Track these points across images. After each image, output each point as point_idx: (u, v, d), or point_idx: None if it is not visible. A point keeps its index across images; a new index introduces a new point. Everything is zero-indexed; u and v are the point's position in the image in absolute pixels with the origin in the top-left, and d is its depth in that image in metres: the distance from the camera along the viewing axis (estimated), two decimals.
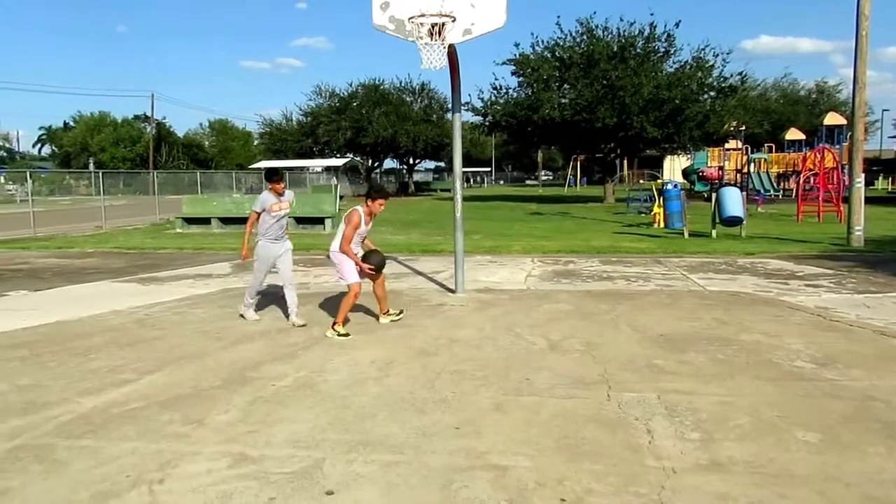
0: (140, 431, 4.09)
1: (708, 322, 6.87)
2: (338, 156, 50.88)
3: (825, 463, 3.53)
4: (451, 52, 7.97)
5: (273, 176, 7.08)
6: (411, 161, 58.52)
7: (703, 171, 34.84)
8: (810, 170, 24.88)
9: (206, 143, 78.42)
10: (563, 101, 32.58)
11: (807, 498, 3.15)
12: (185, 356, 5.81)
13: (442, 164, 72.19)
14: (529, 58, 33.17)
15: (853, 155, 13.83)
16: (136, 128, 69.70)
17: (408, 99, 50.83)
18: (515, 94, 34.60)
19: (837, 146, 27.33)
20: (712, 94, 32.23)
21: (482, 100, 35.04)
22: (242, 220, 19.94)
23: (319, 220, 19.73)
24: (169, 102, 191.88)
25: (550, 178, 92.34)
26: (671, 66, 32.30)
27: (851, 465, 3.50)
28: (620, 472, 3.45)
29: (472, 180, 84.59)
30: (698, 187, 34.63)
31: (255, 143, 66.09)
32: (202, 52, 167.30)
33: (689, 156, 39.94)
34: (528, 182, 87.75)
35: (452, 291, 8.79)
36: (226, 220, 20.27)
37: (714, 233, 15.68)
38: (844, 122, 33.07)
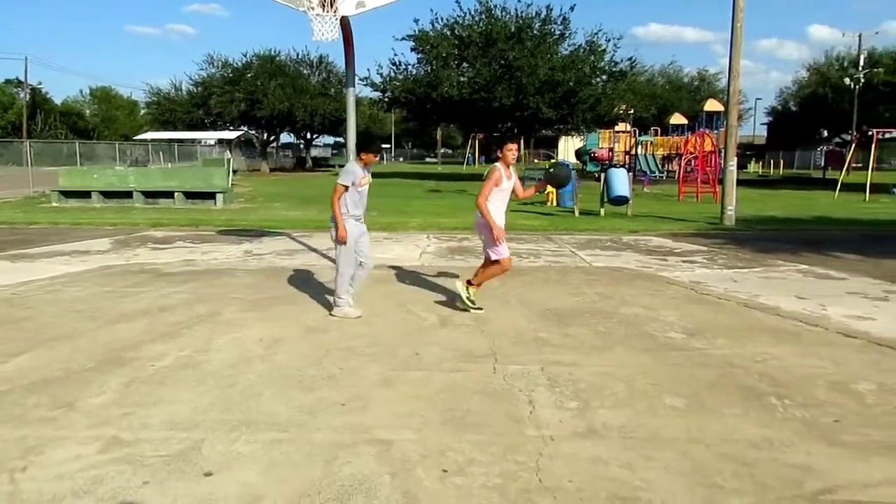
0: (2, 417, 3.82)
1: (591, 297, 7.17)
2: (231, 128, 48.99)
3: (689, 426, 3.79)
4: (345, 25, 7.83)
5: (370, 145, 6.24)
6: (309, 136, 57.28)
7: (594, 152, 36.12)
8: (691, 153, 26.30)
9: (88, 111, 73.49)
10: (461, 79, 32.83)
11: (671, 459, 3.37)
12: (56, 337, 5.47)
13: (341, 140, 71.11)
14: (429, 35, 33.14)
15: (727, 140, 14.74)
16: (7, 93, 64.35)
17: (305, 72, 49.62)
18: (415, 71, 34.55)
19: (716, 131, 28.99)
20: (604, 77, 33.41)
21: (381, 75, 34.78)
22: (126, 195, 19.05)
23: (210, 195, 18.99)
24: (46, 67, 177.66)
25: (451, 154, 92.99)
26: (566, 49, 33.22)
27: (712, 428, 3.77)
28: (502, 441, 3.55)
29: None
30: (590, 167, 35.88)
31: (142, 112, 62.57)
32: (84, 14, 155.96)
33: (582, 137, 41.29)
34: (427, 159, 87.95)
35: None
36: (108, 194, 19.13)
37: (602, 211, 16.33)
38: (722, 108, 35.12)
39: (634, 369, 4.78)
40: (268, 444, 3.51)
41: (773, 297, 7.15)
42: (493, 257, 6.22)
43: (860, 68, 40.21)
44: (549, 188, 19.46)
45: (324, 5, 7.11)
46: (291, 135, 58.32)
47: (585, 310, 6.56)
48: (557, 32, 32.95)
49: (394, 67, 34.59)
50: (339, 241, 6.05)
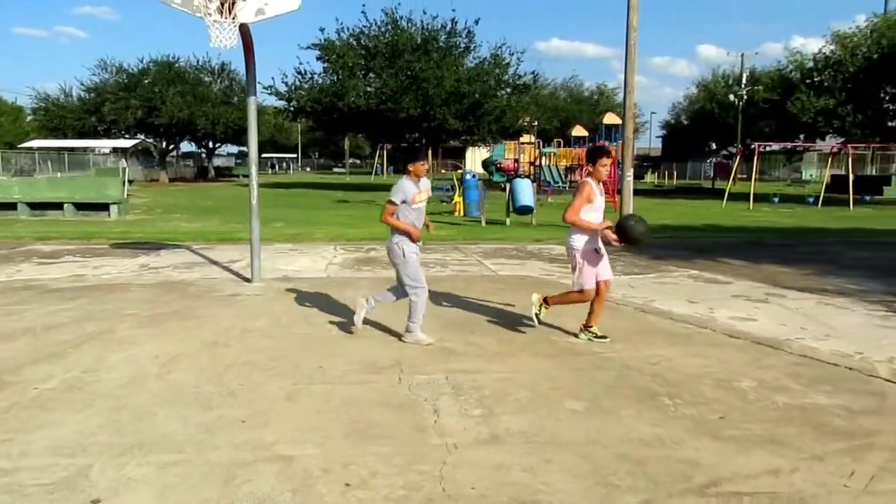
0: None
1: (497, 305, 7.29)
2: (127, 136, 46.86)
3: (588, 428, 3.91)
4: (245, 32, 7.65)
5: (415, 154, 5.69)
6: (211, 145, 55.50)
7: (500, 163, 36.76)
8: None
9: None
10: (368, 89, 32.75)
11: (570, 461, 3.47)
12: None
13: (245, 149, 69.37)
14: (335, 44, 32.90)
15: (624, 152, 15.40)
16: None
17: (206, 79, 48.12)
18: (321, 80, 34.15)
19: (614, 143, 30.21)
20: (508, 90, 34.18)
21: (286, 84, 34.20)
22: (9, 206, 17.76)
23: (103, 207, 18.04)
24: None
25: (359, 165, 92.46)
26: (471, 62, 33.77)
27: (609, 428, 3.91)
28: (406, 451, 3.55)
29: (277, 167, 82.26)
30: (496, 178, 36.48)
31: (28, 119, 58.74)
32: None
33: (489, 148, 42.03)
34: (335, 169, 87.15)
35: (248, 281, 8.49)
36: None
37: (508, 221, 16.66)
38: (620, 121, 36.69)
39: (537, 375, 4.89)
40: (161, 466, 3.36)
41: (667, 302, 7.51)
42: (575, 288, 5.66)
43: (743, 86, 43.01)
44: (457, 198, 19.71)
45: (221, 11, 6.92)
46: (192, 144, 56.33)
47: (491, 317, 6.67)
48: (462, 45, 33.48)
49: (299, 76, 34.12)
50: (414, 239, 5.53)
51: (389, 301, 5.89)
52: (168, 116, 42.93)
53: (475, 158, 55.18)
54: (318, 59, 33.77)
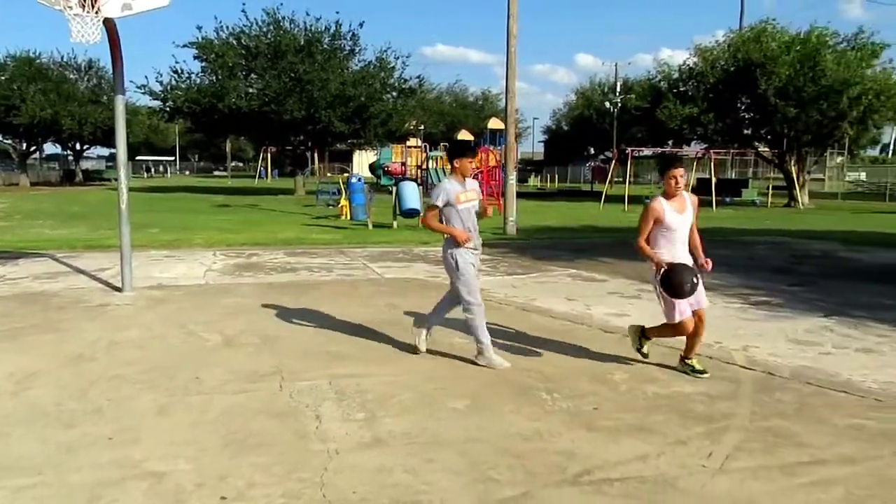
0: None
1: (382, 308, 7.28)
2: None
3: (469, 426, 3.98)
4: (110, 27, 7.23)
5: (461, 150, 5.12)
6: (79, 146, 51.98)
7: (387, 167, 36.77)
8: (477, 168, 27.82)
9: None
10: (250, 90, 31.85)
11: (451, 459, 3.51)
12: None
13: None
14: (213, 43, 31.74)
15: (507, 155, 15.82)
16: None
17: (72, 77, 45.01)
18: (199, 80, 32.82)
19: (499, 147, 30.98)
20: (394, 94, 34.25)
21: (161, 83, 32.58)
22: None
23: None
24: None
25: (242, 168, 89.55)
26: (357, 65, 33.57)
27: (489, 425, 3.99)
28: (286, 460, 3.47)
29: (153, 170, 78.18)
30: (384, 181, 36.42)
31: None
32: None
33: (376, 151, 41.94)
34: (216, 173, 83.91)
35: (119, 290, 8.01)
36: None
37: (395, 224, 16.68)
38: (503, 126, 37.66)
39: (422, 376, 4.92)
40: (16, 490, 3.10)
41: (547, 300, 7.77)
42: (666, 321, 4.93)
43: (617, 94, 45.32)
44: (344, 201, 19.52)
45: (84, 5, 6.49)
46: (58, 146, 52.54)
47: (376, 320, 6.64)
48: (347, 48, 33.23)
49: (175, 75, 32.61)
50: (461, 241, 4.98)
51: (442, 318, 5.51)
52: (28, 116, 39.79)
53: (363, 162, 54.85)
54: (195, 58, 32.47)
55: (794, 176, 28.57)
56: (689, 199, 4.93)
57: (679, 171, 4.87)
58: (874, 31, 29.03)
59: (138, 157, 70.98)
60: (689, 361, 5.00)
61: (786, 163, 29.06)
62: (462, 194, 5.02)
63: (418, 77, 34.98)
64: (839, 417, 4.18)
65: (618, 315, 7.03)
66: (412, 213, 16.38)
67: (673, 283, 4.61)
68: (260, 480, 3.24)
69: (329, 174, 45.09)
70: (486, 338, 5.12)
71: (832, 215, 22.88)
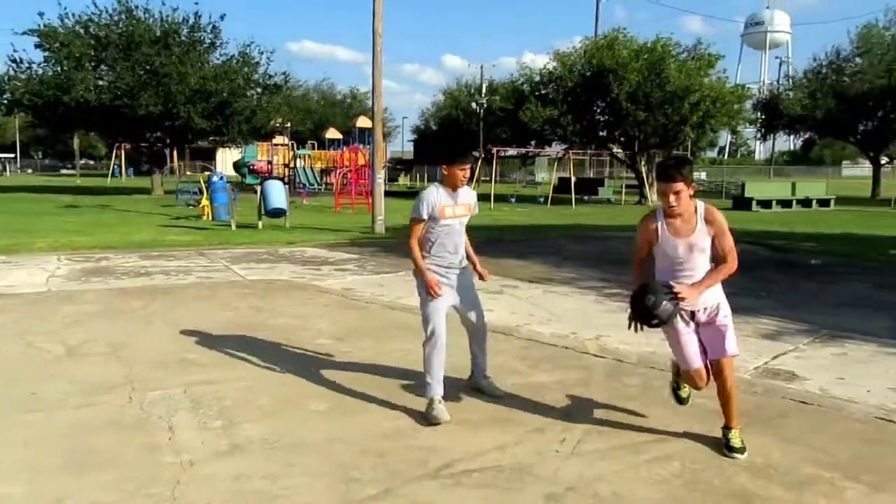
0: None
1: (244, 310, 7.05)
2: None
3: (331, 427, 3.94)
4: None
5: (452, 157, 4.16)
6: None
7: (252, 165, 35.69)
8: (346, 166, 27.59)
9: None
10: (100, 82, 29.70)
11: (312, 462, 3.47)
12: None
13: None
14: (58, 31, 29.28)
15: (374, 155, 15.80)
16: None
17: None
18: (41, 71, 30.18)
19: (367, 146, 30.90)
20: (259, 90, 33.18)
21: None
22: None
23: None
24: None
25: (93, 166, 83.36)
26: (218, 59, 32.19)
27: (353, 425, 3.98)
28: (135, 476, 3.28)
29: None
30: (249, 180, 35.32)
31: None
32: None
33: (240, 149, 40.48)
34: (64, 171, 77.55)
35: None
36: None
37: (260, 224, 16.18)
38: (371, 124, 37.60)
39: (281, 379, 4.81)
40: None
41: (412, 298, 7.81)
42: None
43: (483, 95, 46.52)
44: (205, 201, 18.69)
45: None
46: None
47: (237, 324, 6.42)
48: (208, 41, 31.74)
49: (14, 65, 29.79)
50: (428, 293, 4.15)
51: (484, 360, 4.61)
52: None
53: (226, 160, 52.80)
54: (37, 46, 29.78)
55: (644, 175, 30.58)
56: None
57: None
58: (710, 42, 31.69)
59: None
60: (728, 432, 3.68)
61: (637, 163, 31.06)
62: (449, 207, 4.15)
63: (284, 73, 34.03)
64: None
65: None
66: (278, 213, 15.98)
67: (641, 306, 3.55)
68: (105, 499, 3.04)
69: (189, 172, 42.97)
70: (435, 381, 4.11)
71: None
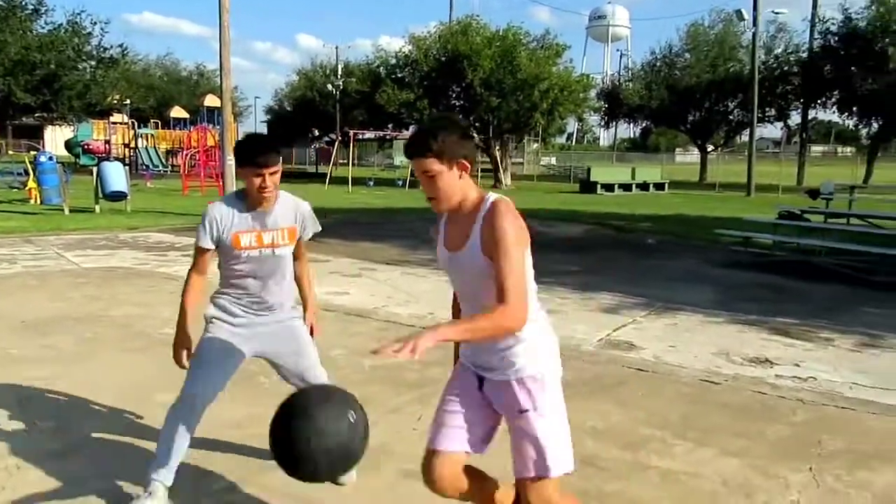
0: None
1: (78, 300, 6.52)
2: None
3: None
4: None
5: (251, 154, 2.70)
6: None
7: (88, 144, 32.92)
8: (194, 147, 26.19)
9: None
10: None
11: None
12: None
13: None
14: None
15: (223, 135, 15.12)
16: None
17: None
18: None
19: (216, 126, 29.47)
20: (92, 63, 30.63)
21: None
22: None
23: None
24: None
25: None
26: (43, 27, 29.33)
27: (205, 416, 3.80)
28: None
29: None
30: (84, 161, 32.58)
31: None
32: None
33: (73, 127, 37.20)
34: None
35: None
36: None
37: (98, 208, 15.01)
38: (220, 104, 35.84)
39: (126, 371, 4.51)
40: None
41: None
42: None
43: (339, 76, 45.78)
44: (32, 183, 17.00)
45: None
46: None
47: (70, 316, 5.92)
48: (31, 6, 28.84)
49: None
50: (181, 360, 2.95)
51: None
52: None
53: (56, 139, 48.26)
54: None
55: (499, 160, 31.59)
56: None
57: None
58: (558, 33, 33.15)
59: None
60: None
61: (491, 147, 31.99)
62: (247, 235, 2.84)
63: (121, 46, 31.64)
64: None
65: (338, 294, 7.16)
66: (118, 196, 14.90)
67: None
68: None
69: (12, 152, 38.90)
70: (163, 471, 2.81)
71: (529, 194, 25.75)
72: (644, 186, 27.85)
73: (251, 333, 2.98)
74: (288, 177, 37.63)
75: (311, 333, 3.23)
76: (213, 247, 2.83)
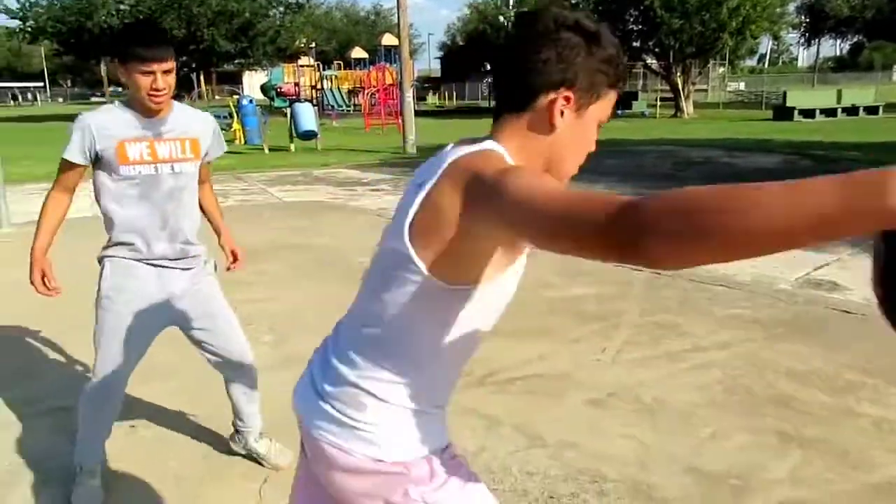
0: None
1: (284, 232, 7.18)
2: None
3: None
4: None
5: (133, 44, 2.17)
6: None
7: (280, 87, 35.35)
8: (373, 86, 27.23)
9: None
10: (122, 7, 29.41)
11: None
12: None
13: None
14: None
15: (402, 73, 15.55)
16: None
17: None
18: None
19: (394, 65, 30.33)
20: (281, 9, 32.58)
21: (19, 0, 29.51)
22: None
23: None
24: None
25: (122, 93, 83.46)
26: None
27: None
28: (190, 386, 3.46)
29: (20, 97, 71.85)
30: (277, 103, 35.09)
31: None
32: None
33: (266, 72, 40.10)
34: (94, 99, 77.93)
35: None
36: None
37: (293, 147, 16.23)
38: (398, 42, 36.73)
39: (327, 298, 4.94)
40: None
41: None
42: None
43: (511, 7, 44.95)
44: (236, 125, 18.70)
45: None
46: None
47: (279, 245, 6.56)
48: None
49: None
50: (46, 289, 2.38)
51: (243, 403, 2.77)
52: None
53: (253, 83, 52.34)
54: None
55: (680, 87, 29.65)
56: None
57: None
58: None
59: (1, 85, 64.84)
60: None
61: (672, 74, 30.05)
62: (136, 144, 2.30)
63: None
64: (718, 308, 4.57)
65: None
66: (309, 135, 15.98)
67: None
68: (172, 403, 3.23)
69: (217, 97, 42.86)
70: (94, 445, 2.54)
71: (714, 123, 24.05)
72: (852, 111, 24.89)
73: (162, 297, 2.41)
74: (461, 112, 38.12)
75: (235, 260, 2.87)
76: (85, 162, 2.26)
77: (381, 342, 1.21)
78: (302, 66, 34.29)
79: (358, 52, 40.00)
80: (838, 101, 25.08)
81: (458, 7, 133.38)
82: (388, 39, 33.91)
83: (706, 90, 42.48)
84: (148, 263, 2.38)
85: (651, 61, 32.76)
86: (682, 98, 29.33)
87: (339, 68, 38.23)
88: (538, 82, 1.11)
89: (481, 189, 1.00)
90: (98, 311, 2.39)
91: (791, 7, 32.98)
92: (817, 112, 24.21)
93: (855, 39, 40.59)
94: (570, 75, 1.10)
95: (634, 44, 31.08)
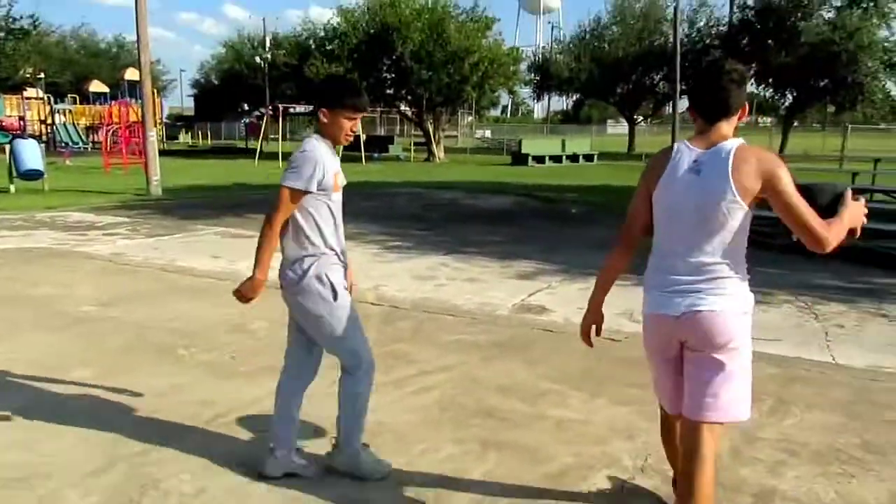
0: None
1: None
2: None
3: (98, 393, 3.83)
4: None
5: (349, 96, 2.74)
6: None
7: (1, 122, 31.32)
8: (115, 123, 25.31)
9: None
10: None
11: (77, 426, 3.38)
12: None
13: None
14: None
15: (144, 110, 14.73)
16: None
17: None
18: None
19: (138, 101, 28.47)
20: (1, 35, 29.03)
21: None
22: None
23: None
24: None
25: None
26: None
27: (123, 388, 3.89)
28: None
29: None
30: None
31: None
32: None
33: None
34: None
35: None
36: None
37: (13, 188, 14.45)
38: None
39: (43, 350, 4.53)
40: None
41: (191, 259, 7.62)
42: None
43: (267, 49, 44.73)
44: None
45: None
46: None
47: None
48: None
49: None
50: (243, 295, 2.92)
51: (295, 420, 3.06)
52: None
53: None
54: None
55: (432, 133, 31.64)
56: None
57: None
58: (487, 5, 32.96)
59: None
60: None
61: (424, 121, 31.98)
62: (340, 174, 2.88)
63: (32, 16, 30.00)
64: (444, 335, 5.00)
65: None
66: (34, 175, 14.36)
67: None
68: None
69: None
70: (285, 447, 2.98)
71: (462, 167, 25.99)
72: (574, 158, 28.45)
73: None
74: (215, 152, 36.81)
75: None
76: (313, 190, 2.76)
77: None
78: (28, 98, 30.79)
79: (97, 86, 37.00)
80: (563, 149, 28.56)
81: (211, 45, 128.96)
82: (132, 74, 31.81)
83: (457, 136, 45.77)
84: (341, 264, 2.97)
85: (405, 108, 34.57)
86: (434, 143, 31.29)
87: (75, 102, 34.95)
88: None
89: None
90: (338, 307, 2.93)
91: (523, 66, 36.92)
92: (547, 158, 27.34)
93: (575, 97, 46.53)
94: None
95: (388, 91, 32.62)
